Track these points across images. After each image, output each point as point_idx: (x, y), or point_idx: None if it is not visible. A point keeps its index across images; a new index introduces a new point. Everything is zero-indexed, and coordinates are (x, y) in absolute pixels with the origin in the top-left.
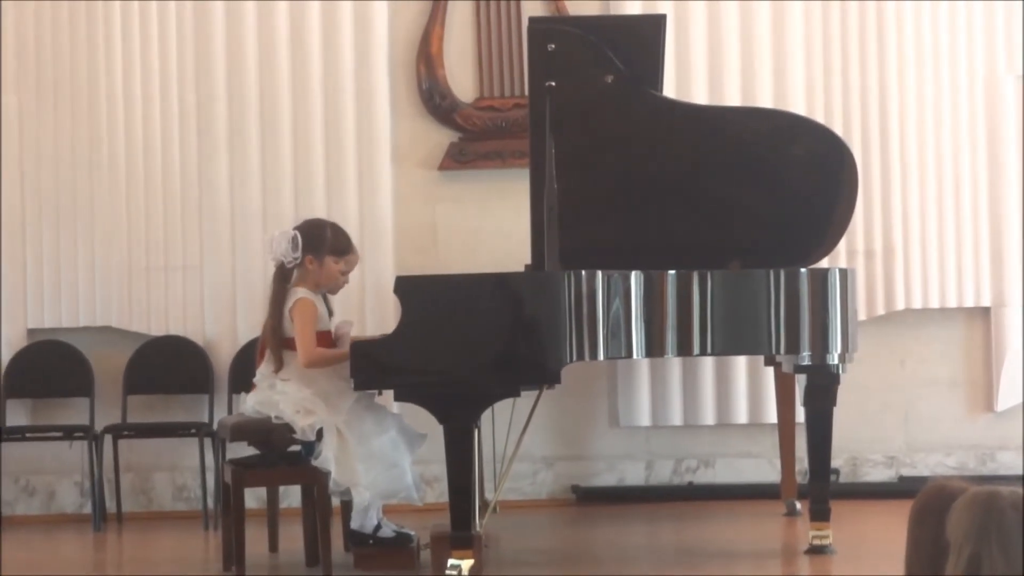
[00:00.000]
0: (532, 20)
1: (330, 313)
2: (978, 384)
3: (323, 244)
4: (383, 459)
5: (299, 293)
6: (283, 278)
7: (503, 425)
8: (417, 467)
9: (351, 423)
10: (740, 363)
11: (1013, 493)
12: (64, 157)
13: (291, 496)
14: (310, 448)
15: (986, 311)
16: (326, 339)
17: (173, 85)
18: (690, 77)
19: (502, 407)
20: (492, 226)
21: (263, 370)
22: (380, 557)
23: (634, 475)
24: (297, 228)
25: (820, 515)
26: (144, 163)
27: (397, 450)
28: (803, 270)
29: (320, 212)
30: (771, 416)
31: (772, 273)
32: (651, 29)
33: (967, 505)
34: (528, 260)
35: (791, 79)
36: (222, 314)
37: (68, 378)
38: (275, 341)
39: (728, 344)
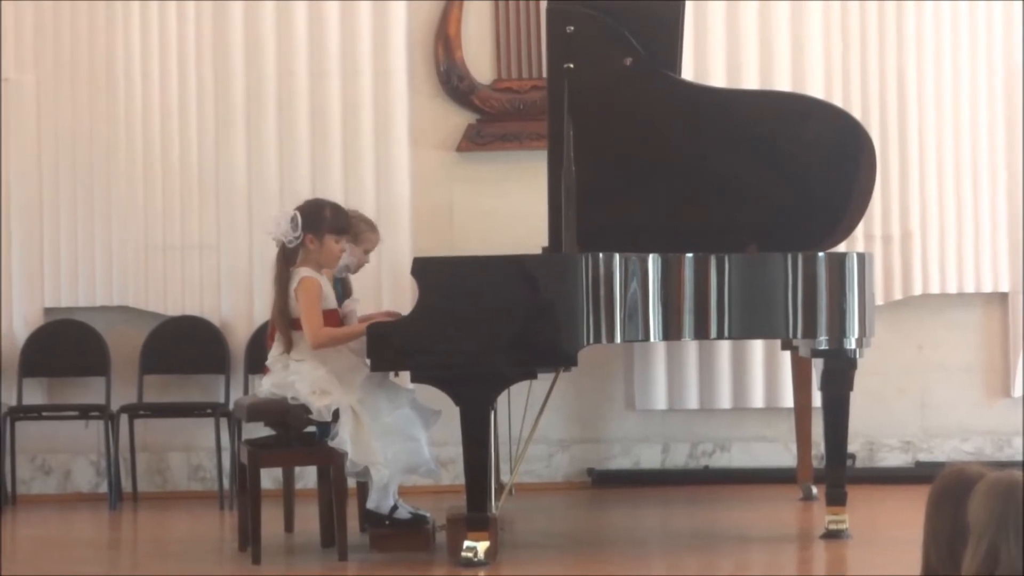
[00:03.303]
0: (551, 2)
1: (349, 292)
2: (995, 370)
3: (322, 223)
4: (400, 433)
5: (302, 272)
6: (286, 259)
7: (519, 407)
8: (432, 448)
9: (365, 401)
10: (757, 347)
11: None
12: (81, 136)
13: (307, 477)
14: (325, 429)
15: (1004, 296)
16: (333, 317)
17: (191, 64)
18: (708, 61)
19: (518, 389)
20: (509, 208)
21: (274, 352)
22: (396, 538)
23: (650, 458)
24: (297, 208)
25: (836, 499)
26: (161, 142)
27: (412, 425)
28: (821, 254)
29: (337, 193)
30: (787, 400)
31: (790, 257)
32: (670, 12)
33: (987, 493)
34: (545, 242)
35: (809, 63)
36: (238, 294)
37: (84, 357)
38: (283, 322)
39: (745, 328)
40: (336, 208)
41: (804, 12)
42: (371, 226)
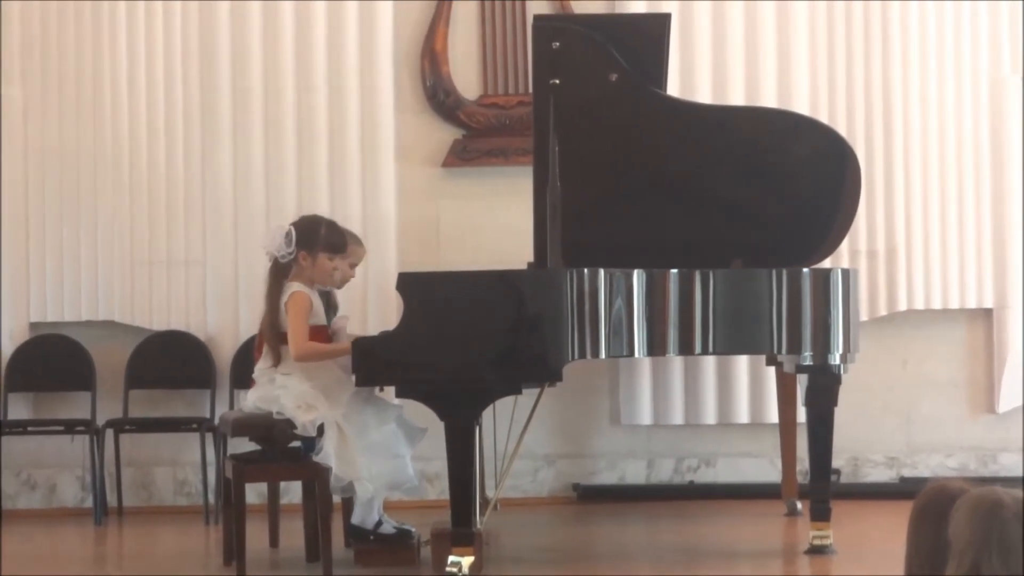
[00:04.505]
0: (537, 18)
1: (336, 309)
2: (980, 385)
3: (317, 240)
4: (385, 450)
5: (293, 287)
6: (278, 273)
7: (504, 422)
8: (418, 464)
9: (350, 416)
10: (742, 362)
11: (1016, 501)
12: (68, 150)
13: (292, 492)
14: (310, 444)
15: (988, 312)
16: (322, 334)
17: (177, 79)
18: (694, 76)
19: (503, 404)
20: (495, 223)
21: (261, 365)
22: (380, 553)
23: (635, 474)
24: (293, 224)
25: (821, 515)
26: (147, 157)
27: (398, 442)
28: (805, 270)
29: (323, 208)
30: (772, 416)
31: (774, 273)
32: (656, 28)
33: (970, 510)
34: (531, 258)
35: (795, 79)
36: (224, 309)
37: (70, 372)
38: (272, 336)
39: (730, 343)
40: (332, 226)
41: (790, 27)
42: (357, 240)
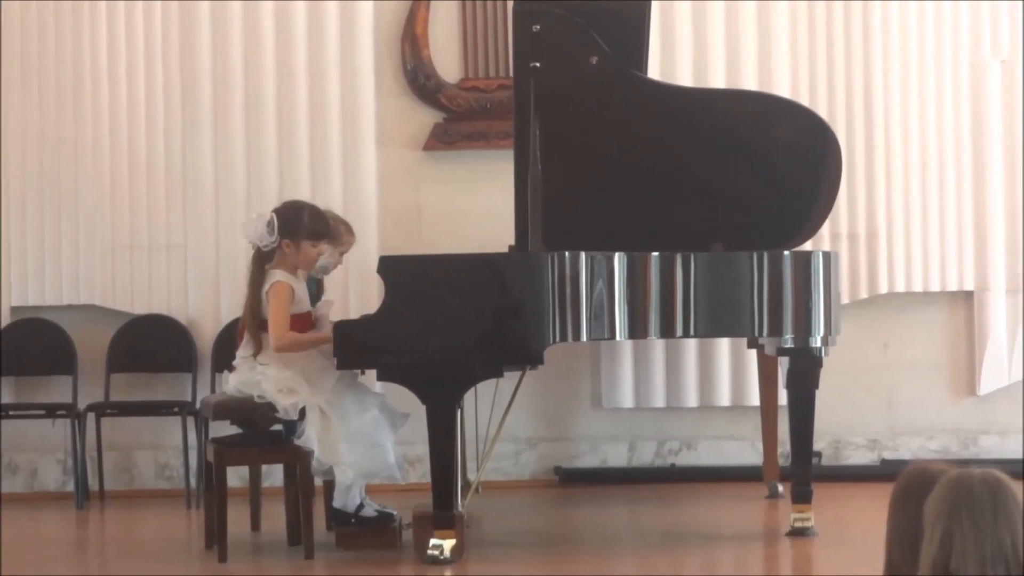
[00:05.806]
0: (517, 1)
1: (321, 292)
2: (961, 368)
3: (300, 228)
4: (365, 438)
5: (276, 276)
6: (261, 261)
7: (486, 405)
8: (400, 447)
9: (333, 402)
10: (723, 345)
11: (985, 472)
12: (48, 136)
13: (274, 475)
14: (292, 428)
15: (969, 295)
16: (305, 321)
17: (158, 64)
18: (675, 60)
19: (485, 387)
20: (476, 207)
21: (242, 352)
22: (362, 536)
23: (617, 457)
24: (275, 211)
25: (802, 497)
26: (128, 142)
27: (379, 429)
28: (786, 253)
29: (304, 192)
30: (754, 398)
31: (755, 255)
32: (637, 11)
33: (941, 486)
34: (512, 241)
35: (776, 62)
36: (205, 293)
37: (51, 356)
38: (253, 324)
39: (711, 326)
40: (314, 212)
41: (771, 12)
42: (349, 229)
